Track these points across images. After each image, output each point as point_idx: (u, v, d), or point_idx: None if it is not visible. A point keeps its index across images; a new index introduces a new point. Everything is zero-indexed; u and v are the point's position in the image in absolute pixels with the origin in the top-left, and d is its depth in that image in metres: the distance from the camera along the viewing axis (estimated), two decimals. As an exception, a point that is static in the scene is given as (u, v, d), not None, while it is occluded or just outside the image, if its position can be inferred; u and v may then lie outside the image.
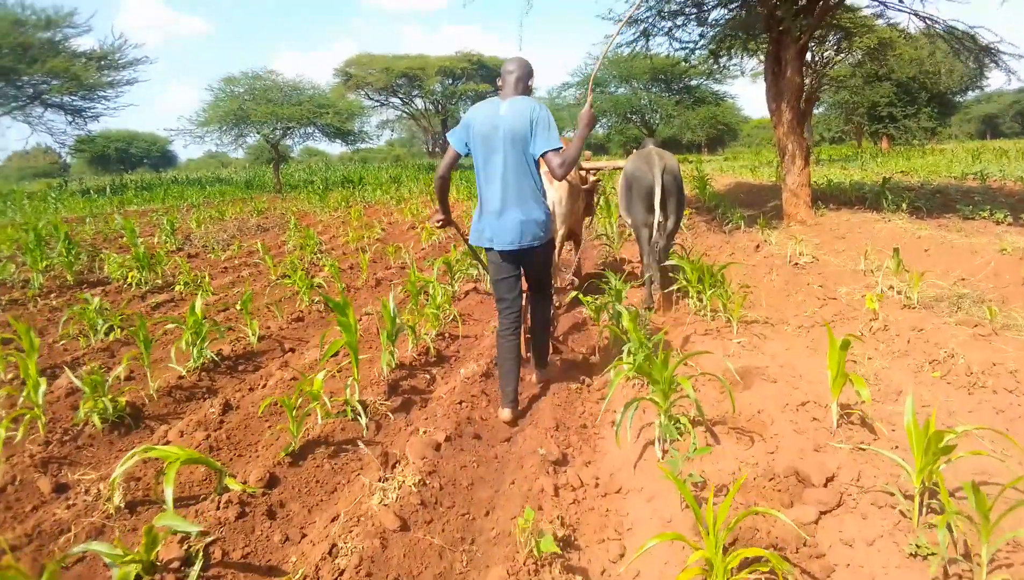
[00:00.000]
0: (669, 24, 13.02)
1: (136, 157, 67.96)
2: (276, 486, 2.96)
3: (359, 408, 3.54)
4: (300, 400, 3.35)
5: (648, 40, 13.11)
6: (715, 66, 15.48)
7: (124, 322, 6.19)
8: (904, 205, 10.04)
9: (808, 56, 32.58)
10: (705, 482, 2.75)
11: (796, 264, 7.44)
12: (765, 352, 4.53)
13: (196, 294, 7.17)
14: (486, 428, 3.54)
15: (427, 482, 2.85)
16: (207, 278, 7.29)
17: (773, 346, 4.66)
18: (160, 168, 63.67)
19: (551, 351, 4.67)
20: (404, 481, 2.82)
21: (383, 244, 11.25)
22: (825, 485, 2.72)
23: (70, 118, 32.69)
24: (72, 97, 31.57)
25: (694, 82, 45.68)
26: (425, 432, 3.37)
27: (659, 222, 5.67)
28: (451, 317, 5.63)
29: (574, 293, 5.21)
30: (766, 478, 2.88)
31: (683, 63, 14.26)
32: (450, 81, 51.28)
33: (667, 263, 5.93)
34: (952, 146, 38.44)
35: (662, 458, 3.06)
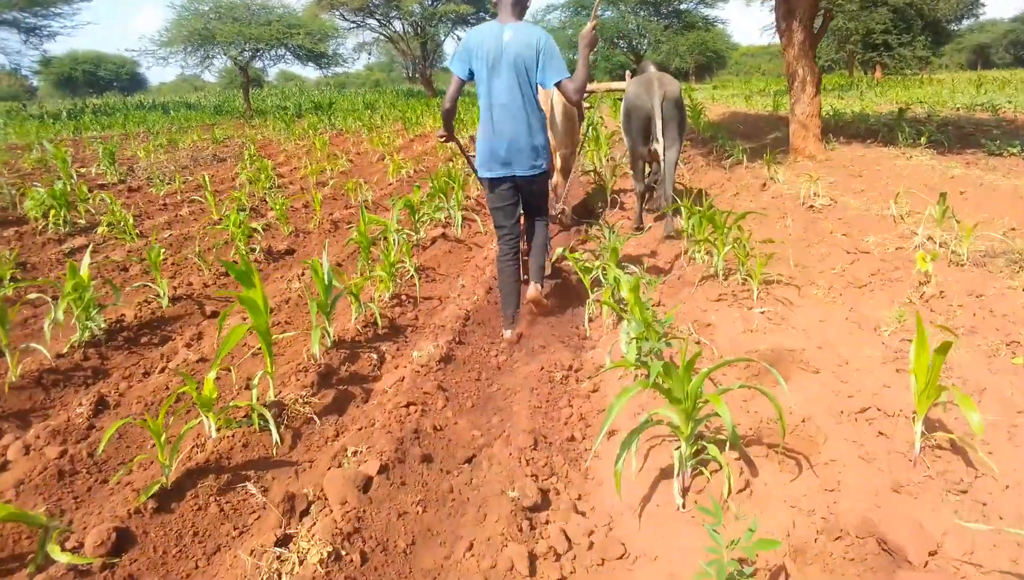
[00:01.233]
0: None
1: (105, 80, 65.15)
2: (129, 548, 2.05)
3: (268, 415, 2.60)
4: (183, 408, 2.40)
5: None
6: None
7: (27, 273, 5.20)
8: (923, 139, 9.05)
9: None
10: (752, 562, 1.87)
11: (811, 207, 6.50)
12: (795, 325, 3.64)
13: (120, 237, 6.18)
14: (440, 444, 2.61)
15: (345, 550, 1.94)
16: (130, 220, 6.22)
17: (804, 317, 3.76)
18: (130, 92, 61.00)
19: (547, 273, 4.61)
20: (309, 550, 1.91)
21: (348, 178, 10.16)
22: (926, 564, 1.85)
23: (24, 36, 30.58)
24: (24, 13, 29.39)
25: (684, 6, 44.04)
26: (355, 454, 2.45)
27: (660, 151, 5.48)
28: (409, 275, 4.66)
29: (560, 250, 4.27)
30: (830, 537, 2.02)
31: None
32: (429, 2, 48.73)
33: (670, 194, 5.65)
34: (949, 76, 37.09)
35: (683, 505, 2.18)
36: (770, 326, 3.61)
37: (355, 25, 48.03)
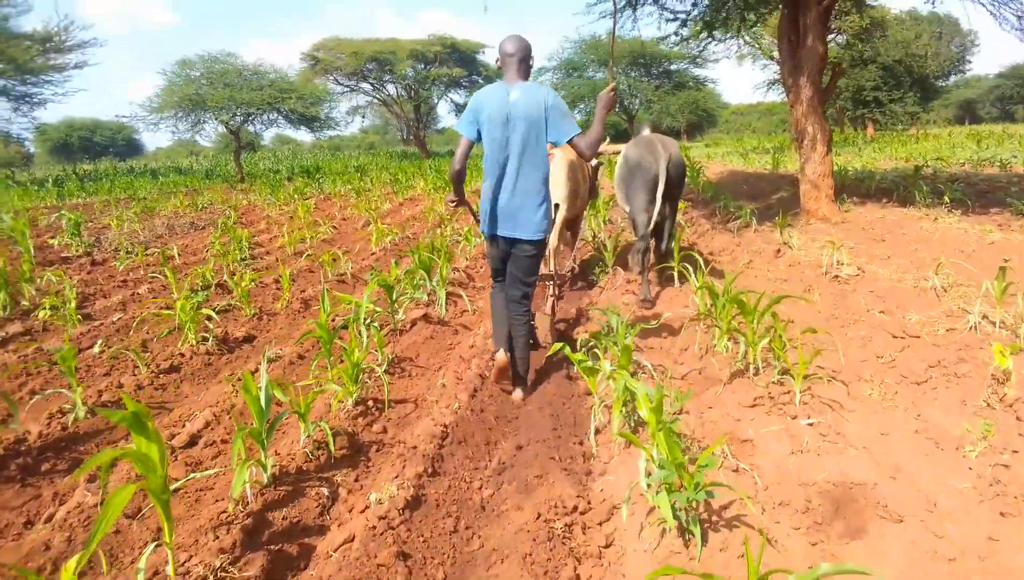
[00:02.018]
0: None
1: (100, 146, 65.31)
2: None
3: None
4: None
5: (635, 9, 11.44)
6: (709, 39, 13.80)
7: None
8: (945, 198, 8.46)
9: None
10: None
11: (836, 277, 5.82)
12: (854, 442, 2.90)
13: (60, 322, 5.45)
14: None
15: None
16: (72, 302, 5.49)
17: (861, 429, 3.04)
18: (126, 158, 61.18)
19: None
20: None
21: (330, 246, 9.52)
22: None
23: (14, 104, 30.46)
24: (14, 81, 29.29)
25: (674, 67, 44.76)
26: None
27: (658, 211, 5.55)
28: (383, 369, 3.93)
29: (556, 346, 3.54)
30: None
31: (674, 36, 12.55)
32: (422, 66, 49.20)
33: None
34: (944, 130, 37.11)
35: None
36: (824, 445, 2.87)
37: (349, 89, 48.42)
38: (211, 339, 4.82)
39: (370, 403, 3.68)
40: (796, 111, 8.31)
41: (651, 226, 5.61)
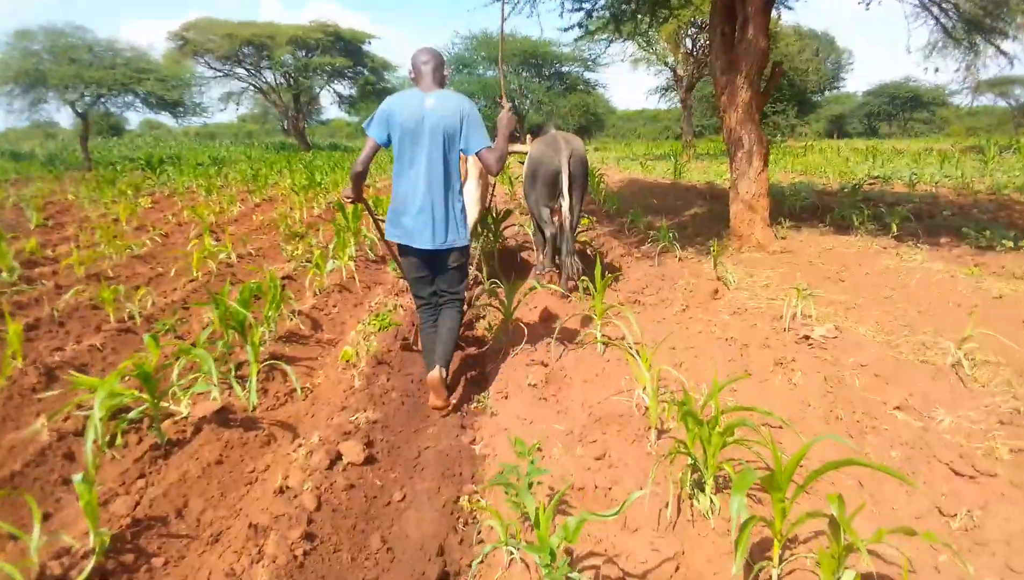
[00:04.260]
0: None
1: (-62, 124, 57.90)
2: None
3: None
4: None
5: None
6: (612, 37, 12.43)
7: None
8: (894, 227, 7.28)
9: (688, 44, 31.17)
10: None
11: (807, 339, 4.36)
12: None
13: None
14: None
15: None
16: None
17: None
18: None
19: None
20: None
21: (144, 264, 7.32)
22: None
23: None
24: None
25: (566, 69, 44.22)
26: None
27: (566, 209, 5.52)
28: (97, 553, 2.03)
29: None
30: None
31: (577, 28, 11.03)
32: (304, 53, 46.15)
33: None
34: (824, 144, 37.92)
35: None
36: None
37: (222, 74, 44.74)
38: None
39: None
40: (730, 117, 6.89)
41: (557, 223, 5.62)
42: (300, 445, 2.98)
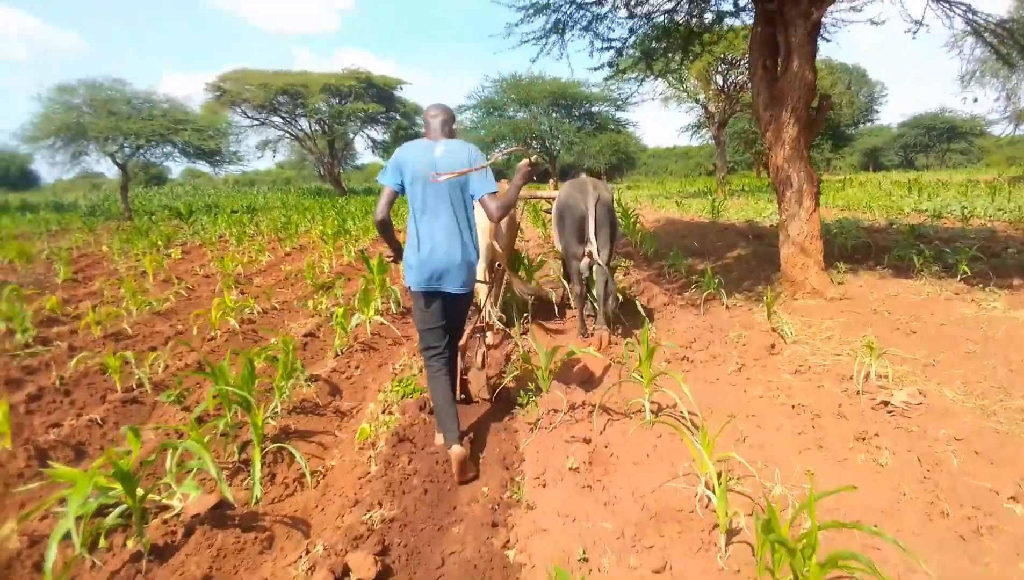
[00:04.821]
0: (591, 14, 9.56)
1: (-9, 176, 60.01)
2: None
3: None
4: None
5: (563, 35, 9.57)
6: (648, 74, 12.06)
7: None
8: (962, 268, 6.69)
9: (719, 81, 30.82)
10: None
11: (886, 405, 3.82)
12: None
13: None
14: None
15: None
16: None
17: None
18: (20, 188, 56.07)
19: None
20: None
21: (166, 320, 7.03)
22: None
23: None
24: None
25: (596, 108, 44.18)
26: None
27: (595, 252, 5.44)
28: None
29: None
30: None
31: (607, 68, 10.70)
32: (337, 100, 46.92)
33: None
34: (861, 177, 37.04)
35: None
36: None
37: (258, 122, 45.64)
38: None
39: None
40: (776, 155, 6.43)
41: (585, 267, 5.62)
42: (304, 553, 2.53)
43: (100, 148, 28.62)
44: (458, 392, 4.36)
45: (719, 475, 2.59)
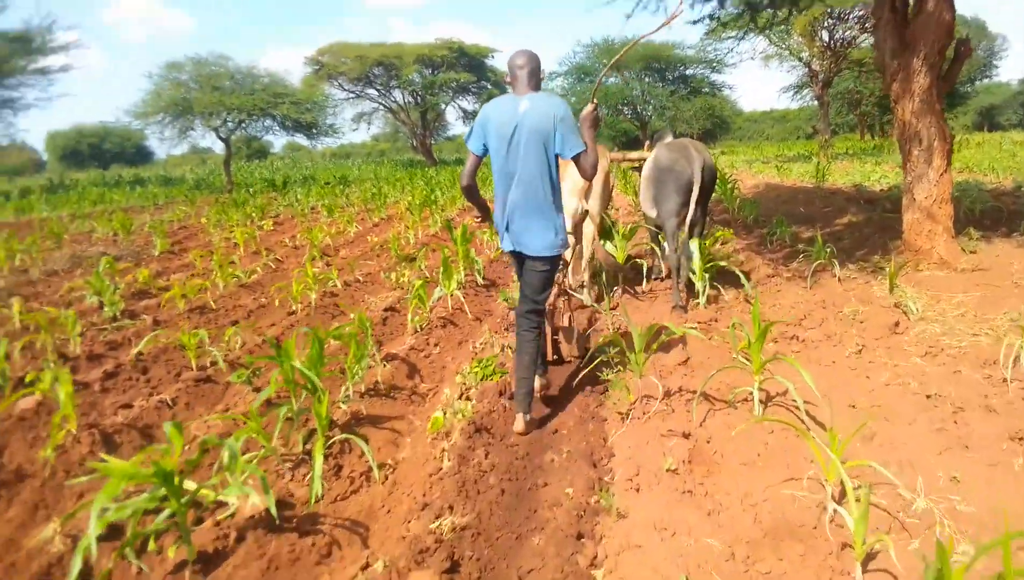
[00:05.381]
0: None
1: (110, 153, 63.88)
2: None
3: None
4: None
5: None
6: (751, 28, 11.23)
7: None
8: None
9: (826, 36, 28.85)
10: None
11: (1044, 397, 3.23)
12: None
13: None
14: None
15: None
16: None
17: None
18: (136, 164, 59.63)
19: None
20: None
21: (251, 292, 7.00)
22: None
23: (-3, 110, 28.30)
24: (-8, 85, 27.09)
25: (690, 71, 42.68)
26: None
27: (689, 218, 5.34)
28: None
29: None
30: None
31: (709, 20, 9.98)
32: (429, 71, 47.01)
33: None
34: (975, 137, 34.12)
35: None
36: None
37: (354, 95, 46.36)
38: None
39: None
40: (903, 108, 5.70)
41: (683, 231, 5.40)
42: (362, 569, 2.26)
43: (205, 123, 29.66)
44: (550, 352, 4.37)
45: (855, 489, 2.15)
